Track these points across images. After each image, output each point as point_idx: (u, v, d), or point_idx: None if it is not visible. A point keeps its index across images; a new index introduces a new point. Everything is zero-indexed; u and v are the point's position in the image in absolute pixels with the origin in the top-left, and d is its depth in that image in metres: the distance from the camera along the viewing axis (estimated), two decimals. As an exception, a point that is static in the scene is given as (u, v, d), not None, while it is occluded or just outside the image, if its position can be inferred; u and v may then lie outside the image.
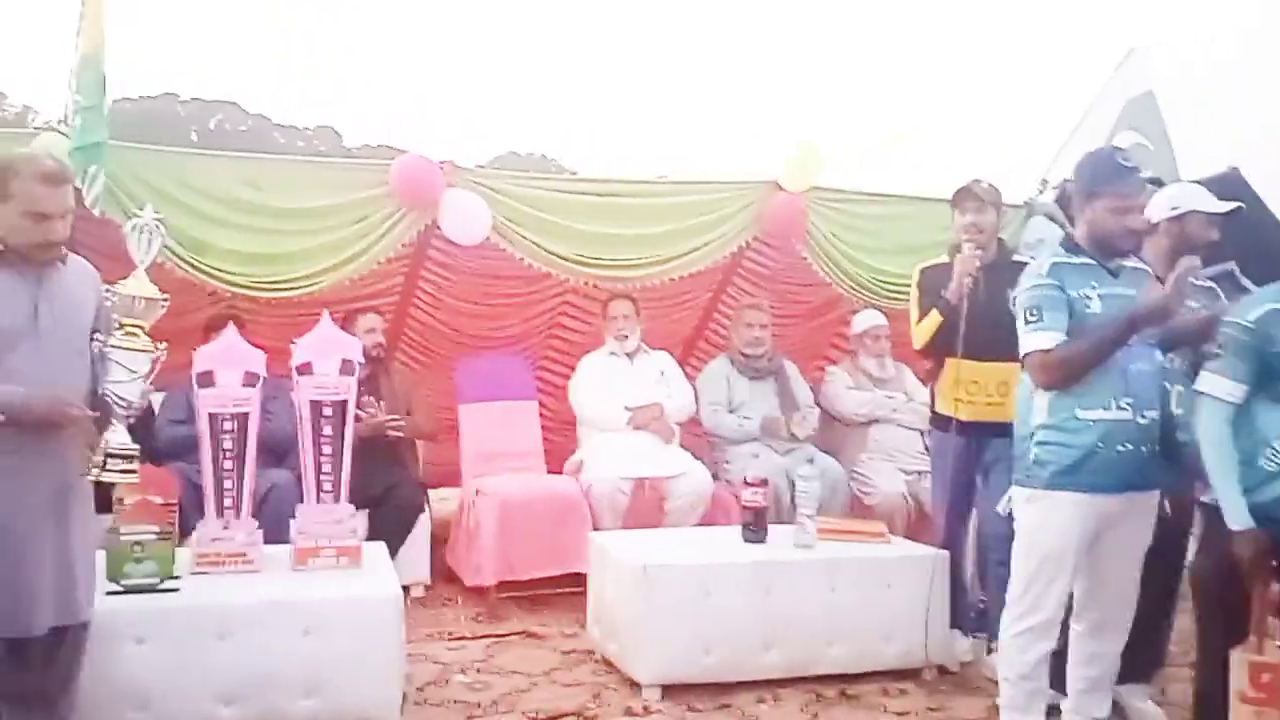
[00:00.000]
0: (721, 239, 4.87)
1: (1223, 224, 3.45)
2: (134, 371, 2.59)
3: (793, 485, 4.29)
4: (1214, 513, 2.92)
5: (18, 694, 2.65)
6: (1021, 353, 3.05)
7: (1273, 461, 2.80)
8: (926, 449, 4.66)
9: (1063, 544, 3.04)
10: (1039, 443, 3.05)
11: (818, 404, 5.07)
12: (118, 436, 2.58)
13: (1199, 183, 4.30)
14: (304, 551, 3.38)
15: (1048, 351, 2.96)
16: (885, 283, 4.94)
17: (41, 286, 2.58)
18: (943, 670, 3.83)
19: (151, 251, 2.72)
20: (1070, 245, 3.11)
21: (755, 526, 3.94)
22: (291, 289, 4.42)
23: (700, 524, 4.60)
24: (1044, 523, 3.06)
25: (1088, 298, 3.00)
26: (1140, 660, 3.59)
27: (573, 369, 5.07)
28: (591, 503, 4.59)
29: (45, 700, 2.70)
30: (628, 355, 5.00)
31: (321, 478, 3.50)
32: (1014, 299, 3.10)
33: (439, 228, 4.62)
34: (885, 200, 5.04)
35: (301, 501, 3.51)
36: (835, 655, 3.73)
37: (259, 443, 3.44)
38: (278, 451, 4.25)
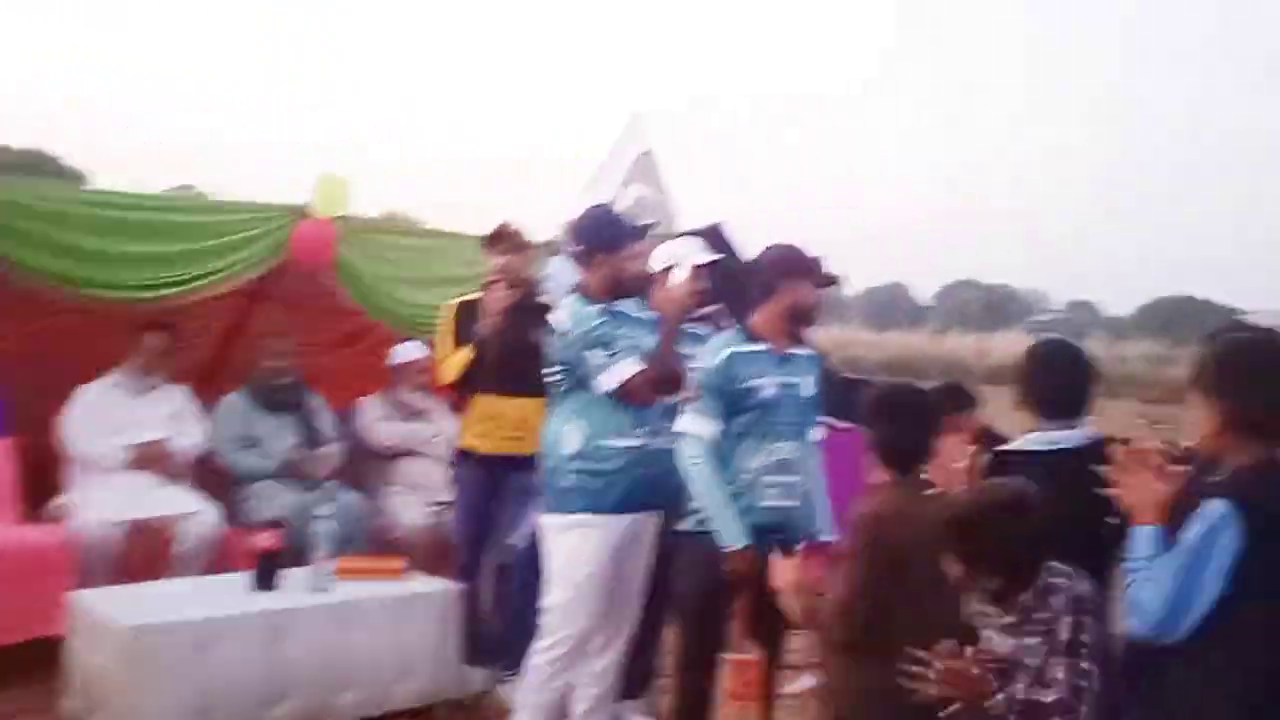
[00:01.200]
0: (244, 263, 4.56)
1: (711, 273, 3.86)
2: None
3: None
4: (689, 539, 3.26)
5: None
6: (612, 382, 3.23)
7: (736, 486, 3.19)
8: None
9: (597, 568, 3.25)
10: (572, 471, 3.25)
11: (348, 435, 4.93)
12: None
13: (690, 234, 4.82)
14: None
15: (643, 372, 3.22)
16: (419, 314, 4.92)
17: None
18: (456, 704, 3.86)
19: None
20: (588, 293, 3.34)
21: (267, 572, 3.72)
22: None
23: (213, 569, 4.26)
24: (580, 550, 3.25)
25: (627, 336, 3.29)
26: (635, 676, 3.89)
27: (62, 403, 4.47)
28: (77, 553, 4.06)
29: None
30: (138, 390, 4.53)
31: None
32: (559, 339, 3.30)
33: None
34: (418, 234, 5.05)
35: None
36: (349, 701, 3.63)
37: None
38: None
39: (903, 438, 2.67)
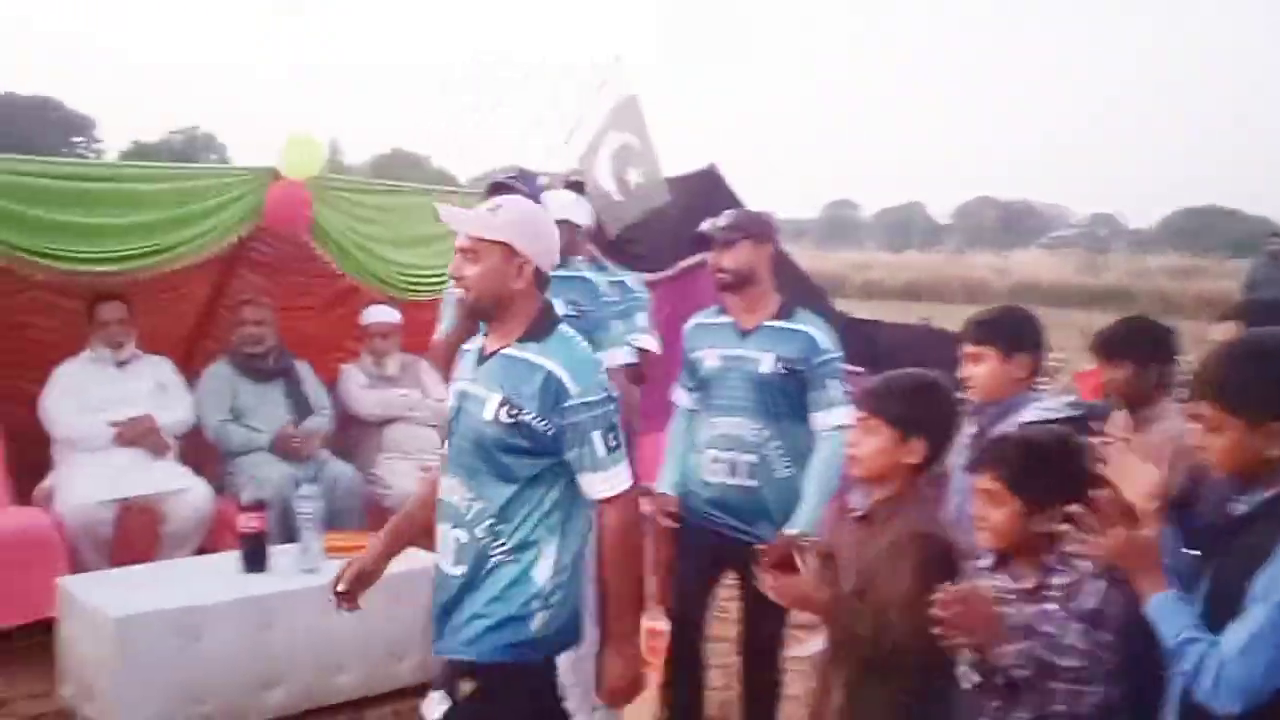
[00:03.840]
0: (217, 229, 4.40)
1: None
2: None
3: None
4: None
5: None
6: None
7: (692, 456, 3.17)
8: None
9: None
10: None
11: (335, 404, 4.81)
12: None
13: (683, 178, 4.65)
14: None
15: None
16: (402, 274, 4.77)
17: None
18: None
19: None
20: None
21: (254, 554, 3.64)
22: None
23: (203, 547, 4.19)
24: None
25: None
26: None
27: (45, 378, 4.37)
28: (67, 536, 3.99)
29: None
30: (118, 363, 4.41)
31: None
32: None
33: None
34: (396, 191, 4.86)
35: None
36: (345, 683, 3.58)
37: None
38: None
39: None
